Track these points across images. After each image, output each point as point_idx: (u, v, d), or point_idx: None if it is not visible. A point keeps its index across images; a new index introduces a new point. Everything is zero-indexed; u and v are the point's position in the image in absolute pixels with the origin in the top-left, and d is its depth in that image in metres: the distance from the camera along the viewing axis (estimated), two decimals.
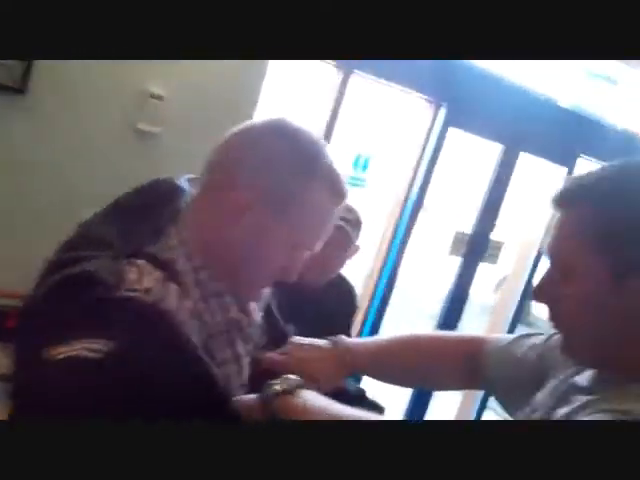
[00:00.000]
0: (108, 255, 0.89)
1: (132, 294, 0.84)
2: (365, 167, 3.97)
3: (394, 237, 3.59)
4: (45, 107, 2.22)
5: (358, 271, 3.68)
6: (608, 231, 0.91)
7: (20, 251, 2.15)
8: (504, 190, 3.92)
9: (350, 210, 2.22)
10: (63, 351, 0.77)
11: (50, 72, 2.18)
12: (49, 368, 0.77)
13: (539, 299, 0.99)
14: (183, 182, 1.04)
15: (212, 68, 2.42)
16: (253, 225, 0.95)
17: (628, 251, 0.90)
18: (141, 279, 0.87)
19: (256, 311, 1.09)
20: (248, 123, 1.01)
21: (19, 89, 2.18)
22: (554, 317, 1.00)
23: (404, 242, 3.60)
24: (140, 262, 0.89)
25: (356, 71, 3.11)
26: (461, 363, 1.27)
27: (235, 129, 1.00)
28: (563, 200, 0.96)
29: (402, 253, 3.62)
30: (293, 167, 0.95)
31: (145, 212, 0.96)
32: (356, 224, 2.21)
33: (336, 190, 0.99)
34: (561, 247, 0.96)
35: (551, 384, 1.06)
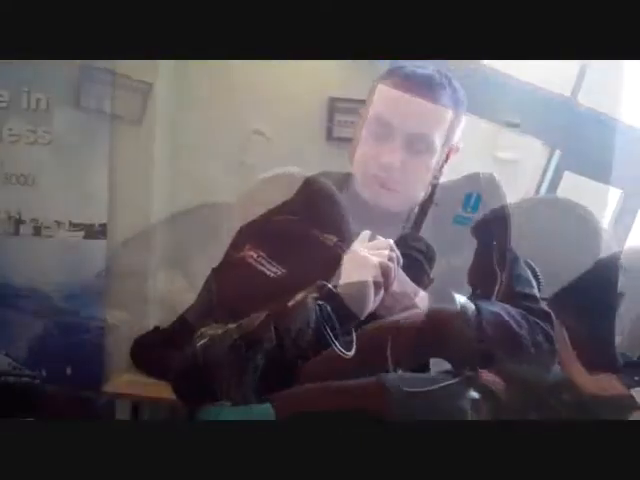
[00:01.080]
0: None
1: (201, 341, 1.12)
2: (475, 208, 3.87)
3: None
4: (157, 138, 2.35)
5: None
6: None
7: None
8: (625, 236, 3.72)
9: (422, 240, 2.17)
10: None
11: (164, 105, 2.32)
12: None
13: None
14: None
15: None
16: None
17: None
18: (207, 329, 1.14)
19: None
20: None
21: (136, 120, 2.33)
22: None
23: None
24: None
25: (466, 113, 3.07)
26: None
27: None
28: None
29: None
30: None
31: None
32: (429, 255, 2.18)
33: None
34: None
35: None
